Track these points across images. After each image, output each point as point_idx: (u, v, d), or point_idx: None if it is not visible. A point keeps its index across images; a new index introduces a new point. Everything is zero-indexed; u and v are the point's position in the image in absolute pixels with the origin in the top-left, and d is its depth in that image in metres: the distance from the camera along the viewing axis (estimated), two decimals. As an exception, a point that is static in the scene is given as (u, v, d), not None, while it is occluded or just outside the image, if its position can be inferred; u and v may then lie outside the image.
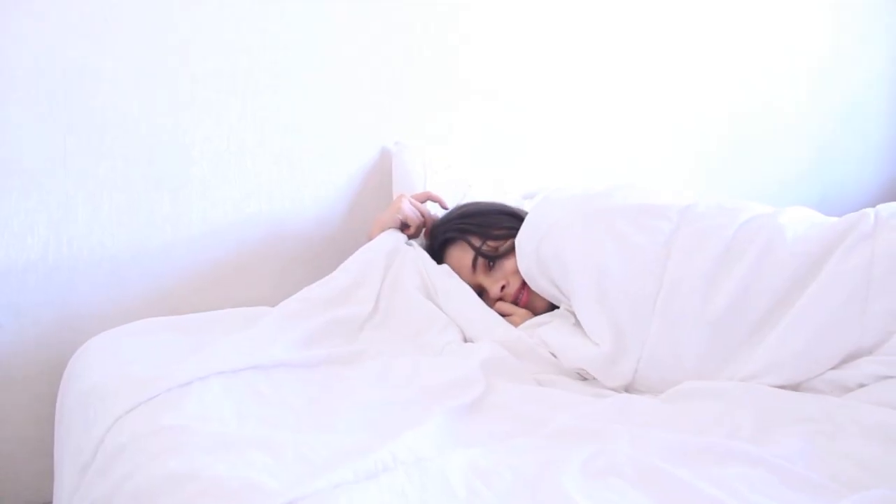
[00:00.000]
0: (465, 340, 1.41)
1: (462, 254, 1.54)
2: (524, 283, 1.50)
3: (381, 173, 1.84)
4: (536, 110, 2.05)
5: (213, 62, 1.61)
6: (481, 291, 1.54)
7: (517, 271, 1.48)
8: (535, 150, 2.06)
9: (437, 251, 1.59)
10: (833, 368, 1.16)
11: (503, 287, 1.51)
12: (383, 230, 1.59)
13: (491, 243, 1.53)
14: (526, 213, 1.52)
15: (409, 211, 1.61)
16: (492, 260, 1.52)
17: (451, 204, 1.68)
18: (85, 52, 1.49)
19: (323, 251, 1.80)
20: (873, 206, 1.32)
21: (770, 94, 2.41)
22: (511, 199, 1.70)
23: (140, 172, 1.57)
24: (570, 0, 2.05)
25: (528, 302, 1.52)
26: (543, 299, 1.49)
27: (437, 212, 1.68)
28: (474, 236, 1.54)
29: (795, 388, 1.17)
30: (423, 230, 1.66)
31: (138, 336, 1.40)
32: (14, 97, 1.45)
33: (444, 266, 1.55)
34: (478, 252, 1.52)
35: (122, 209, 1.57)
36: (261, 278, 1.74)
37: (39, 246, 1.51)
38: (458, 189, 1.76)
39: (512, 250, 1.50)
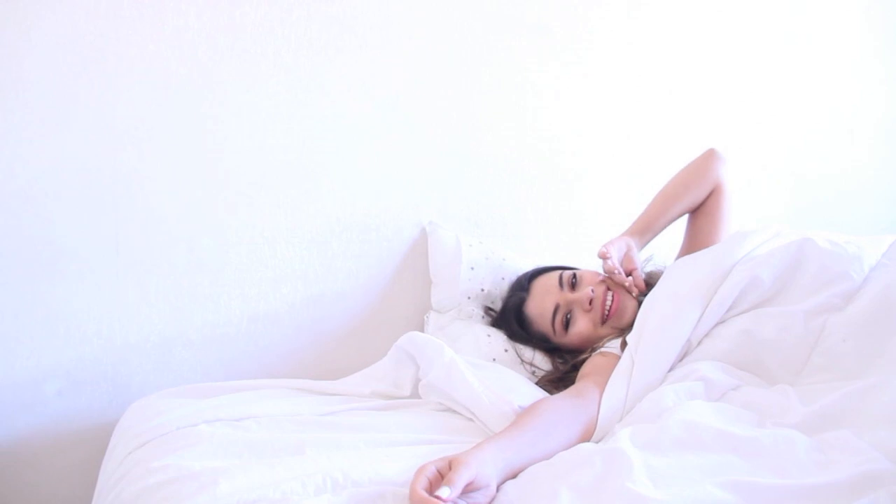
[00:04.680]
0: None
1: (547, 279, 1.70)
2: (608, 289, 1.61)
3: (411, 253, 1.99)
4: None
5: (243, 158, 1.82)
6: (568, 313, 1.62)
7: (601, 280, 1.62)
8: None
9: (526, 285, 1.74)
10: None
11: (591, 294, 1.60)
12: None
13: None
14: None
15: None
16: (574, 275, 1.67)
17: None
18: (132, 158, 1.74)
19: (359, 329, 1.95)
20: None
21: (774, 94, 2.38)
22: None
23: (182, 258, 1.79)
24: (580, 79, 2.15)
25: (619, 305, 1.60)
26: (634, 303, 1.59)
27: None
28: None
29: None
30: None
31: (173, 398, 1.56)
32: (67, 196, 1.70)
33: None
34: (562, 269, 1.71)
35: (167, 290, 1.78)
36: (295, 353, 1.91)
37: (94, 322, 1.73)
38: (492, 261, 1.91)
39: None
